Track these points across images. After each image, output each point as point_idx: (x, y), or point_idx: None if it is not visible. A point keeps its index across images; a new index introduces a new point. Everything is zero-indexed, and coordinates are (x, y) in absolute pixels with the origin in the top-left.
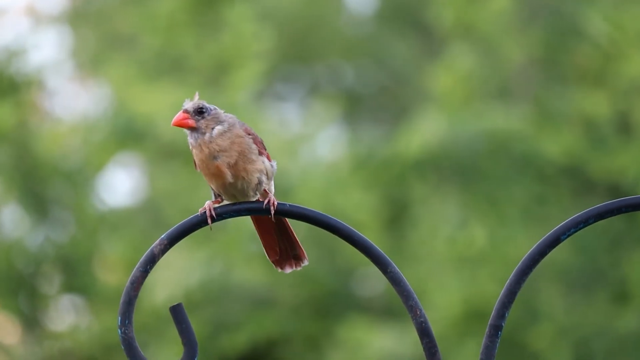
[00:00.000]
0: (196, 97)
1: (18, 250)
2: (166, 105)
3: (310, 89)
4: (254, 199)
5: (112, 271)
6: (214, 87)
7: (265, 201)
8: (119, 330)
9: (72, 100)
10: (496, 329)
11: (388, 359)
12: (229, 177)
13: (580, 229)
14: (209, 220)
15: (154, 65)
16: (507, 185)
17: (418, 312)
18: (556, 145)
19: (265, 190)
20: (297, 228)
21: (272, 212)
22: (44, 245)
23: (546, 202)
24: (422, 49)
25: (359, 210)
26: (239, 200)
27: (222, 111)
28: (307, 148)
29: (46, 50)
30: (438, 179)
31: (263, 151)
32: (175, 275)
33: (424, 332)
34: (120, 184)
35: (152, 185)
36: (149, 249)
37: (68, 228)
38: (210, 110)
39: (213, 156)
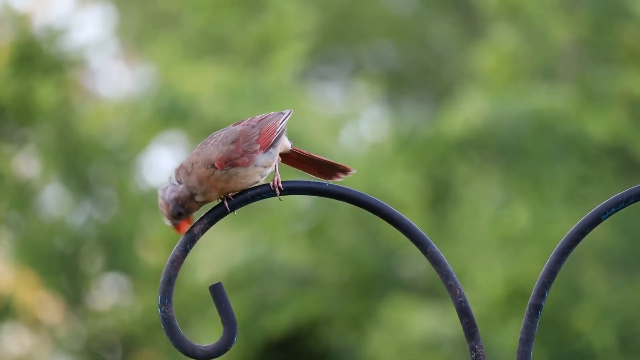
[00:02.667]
0: (161, 202)
1: (60, 230)
2: (210, 85)
3: (353, 70)
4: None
5: (154, 250)
6: (256, 67)
7: (271, 183)
8: (159, 310)
9: (115, 80)
10: (536, 308)
11: (430, 339)
12: (228, 195)
13: (621, 208)
14: (229, 210)
15: (198, 45)
16: (550, 165)
17: (457, 292)
18: (600, 126)
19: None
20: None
21: (278, 192)
22: (86, 224)
23: (589, 182)
24: (465, 28)
25: (401, 190)
26: None
27: (182, 175)
28: (349, 128)
29: (90, 29)
30: (481, 159)
31: (252, 155)
32: (218, 255)
33: (464, 312)
34: (163, 164)
35: None
36: (189, 228)
37: (110, 207)
38: (179, 203)
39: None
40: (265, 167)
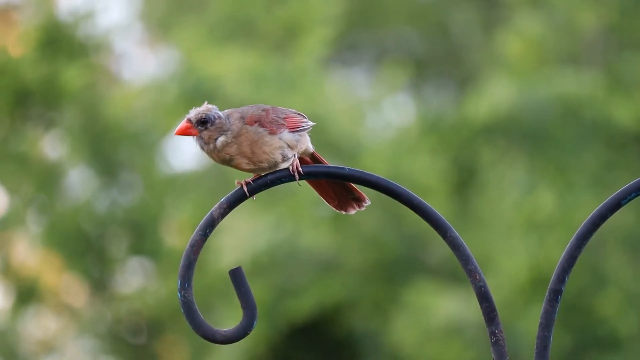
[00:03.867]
0: (204, 105)
1: (86, 213)
2: (235, 69)
3: (377, 56)
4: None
5: (178, 234)
6: (282, 51)
7: (290, 168)
8: (179, 294)
9: (140, 64)
10: (556, 293)
11: (453, 323)
12: (250, 167)
13: None
14: (247, 194)
15: (223, 29)
16: (576, 151)
17: (477, 277)
18: (626, 112)
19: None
20: (365, 192)
21: (297, 177)
22: (111, 207)
23: (615, 168)
24: (486, 14)
25: (426, 175)
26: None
27: (227, 115)
28: (374, 113)
29: (115, 14)
30: (506, 144)
31: (278, 128)
32: (243, 240)
33: (483, 297)
34: (187, 148)
35: None
36: (209, 213)
37: (136, 191)
38: (214, 119)
39: (227, 160)
40: (288, 146)
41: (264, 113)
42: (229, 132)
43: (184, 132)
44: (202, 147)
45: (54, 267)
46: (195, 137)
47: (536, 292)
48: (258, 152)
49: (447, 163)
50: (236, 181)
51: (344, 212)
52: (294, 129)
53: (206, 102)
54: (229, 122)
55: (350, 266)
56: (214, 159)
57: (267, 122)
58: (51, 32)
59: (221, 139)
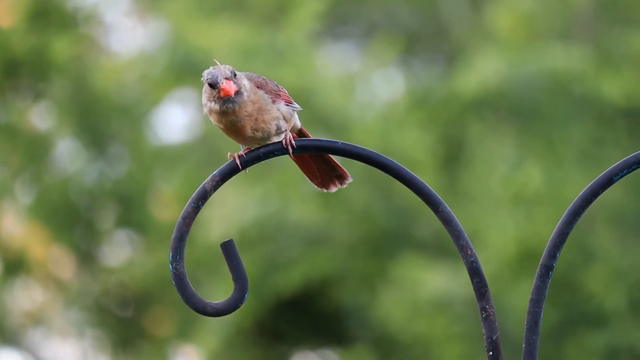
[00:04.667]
0: (217, 64)
1: (74, 185)
2: (225, 42)
3: (367, 30)
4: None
5: (167, 207)
6: (273, 25)
7: (283, 141)
8: (170, 266)
9: (129, 35)
10: (547, 269)
11: (441, 298)
12: (250, 133)
13: (633, 170)
14: (240, 167)
15: (213, 1)
16: (565, 126)
17: (469, 252)
18: (616, 87)
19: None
20: (354, 166)
21: (290, 150)
22: (99, 179)
23: (604, 143)
24: None
25: (415, 149)
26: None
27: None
28: (363, 87)
29: None
30: (495, 118)
31: (276, 98)
32: (231, 213)
33: (475, 272)
34: (176, 120)
35: (208, 120)
36: (201, 185)
37: (124, 163)
38: (236, 72)
39: (239, 119)
40: (283, 118)
41: (263, 81)
42: (248, 86)
43: (235, 90)
44: (224, 104)
45: (42, 239)
46: (219, 96)
47: (524, 267)
48: (259, 120)
49: (435, 137)
50: (229, 154)
51: (325, 190)
52: (288, 102)
53: (216, 61)
54: (240, 76)
55: (338, 240)
56: (228, 118)
57: (267, 90)
58: (40, 3)
59: (245, 93)
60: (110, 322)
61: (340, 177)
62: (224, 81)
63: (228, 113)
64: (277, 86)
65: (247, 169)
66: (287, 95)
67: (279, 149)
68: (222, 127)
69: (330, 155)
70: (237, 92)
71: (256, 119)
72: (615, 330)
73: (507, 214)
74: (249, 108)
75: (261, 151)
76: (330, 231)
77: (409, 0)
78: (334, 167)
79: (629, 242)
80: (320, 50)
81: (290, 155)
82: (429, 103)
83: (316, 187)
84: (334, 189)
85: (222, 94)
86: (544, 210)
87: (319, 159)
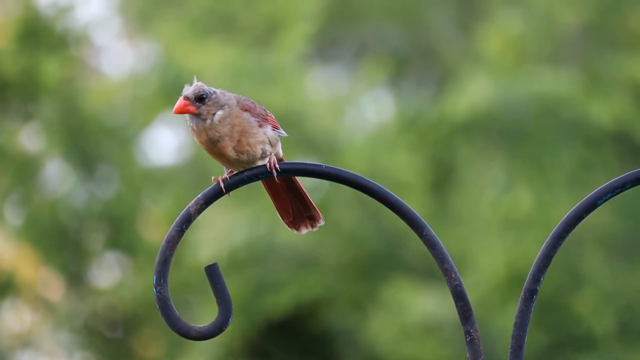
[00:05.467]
0: (195, 81)
1: (63, 206)
2: (215, 63)
3: (357, 51)
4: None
5: (156, 229)
6: (263, 46)
7: (267, 165)
8: (154, 290)
9: (119, 57)
10: (531, 293)
11: (430, 321)
12: (232, 155)
13: (617, 193)
14: (224, 190)
15: (204, 23)
16: (554, 149)
17: (453, 276)
18: (605, 111)
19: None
20: (343, 188)
21: (275, 174)
22: (89, 201)
23: (593, 167)
24: (466, 11)
25: (404, 172)
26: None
27: (221, 91)
28: (353, 110)
29: (94, 7)
30: (485, 142)
31: (263, 122)
32: (220, 235)
33: (459, 296)
34: (166, 142)
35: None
36: (185, 209)
37: (113, 185)
38: (211, 94)
39: (215, 140)
40: (269, 142)
41: (252, 105)
42: (226, 107)
43: (182, 110)
44: (196, 125)
45: (31, 261)
46: (193, 114)
47: (513, 291)
48: (243, 143)
49: (425, 160)
50: (212, 177)
51: (295, 231)
52: (275, 127)
53: (195, 77)
54: (225, 97)
55: (327, 262)
56: (205, 138)
57: (255, 114)
58: (31, 24)
59: (220, 112)
60: (99, 344)
61: (313, 218)
62: (180, 99)
63: (195, 131)
64: (265, 111)
65: (231, 192)
66: (274, 120)
67: (263, 172)
68: (202, 146)
69: (305, 193)
70: (198, 114)
71: (239, 141)
72: (604, 354)
73: (496, 237)
74: (223, 129)
75: (245, 174)
76: (320, 253)
77: (398, 22)
78: (307, 206)
79: (618, 266)
80: (309, 72)
81: (275, 178)
82: (419, 126)
83: (286, 226)
84: (304, 231)
85: (173, 112)
86: (533, 234)
87: (294, 195)
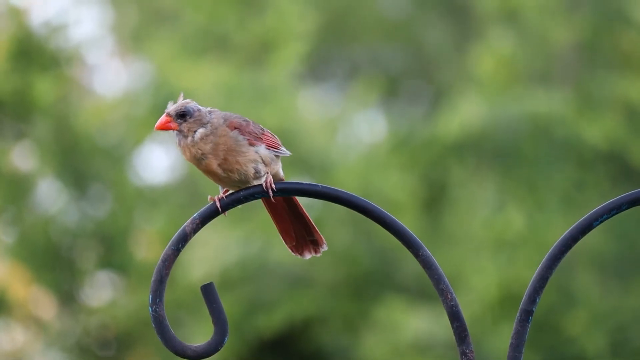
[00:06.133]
0: (180, 99)
1: (55, 225)
2: (208, 82)
3: (350, 71)
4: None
5: (149, 247)
6: (256, 66)
7: (263, 184)
8: (150, 308)
9: (112, 76)
10: (527, 313)
11: (422, 340)
12: (220, 172)
13: (613, 215)
14: (220, 210)
15: (197, 42)
16: (546, 169)
17: (449, 296)
18: (597, 131)
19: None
20: (336, 208)
21: (271, 193)
22: (81, 220)
23: (585, 187)
24: (459, 31)
25: (396, 191)
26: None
27: (207, 109)
28: (345, 129)
29: (87, 26)
30: (477, 161)
31: (256, 141)
32: (213, 253)
33: (455, 316)
34: (159, 161)
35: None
36: (181, 228)
37: (106, 204)
38: (193, 112)
39: (198, 158)
40: (262, 161)
41: (244, 123)
42: (209, 125)
43: (163, 127)
44: (179, 142)
45: (23, 279)
46: (175, 131)
47: (505, 310)
48: (231, 161)
49: (417, 179)
50: (209, 197)
51: (299, 256)
52: (270, 146)
53: (182, 94)
54: (210, 116)
55: (320, 281)
56: (188, 154)
57: (246, 132)
58: (23, 43)
59: (200, 130)
60: None
61: (315, 242)
62: (163, 116)
63: (180, 148)
64: (261, 129)
65: (227, 212)
66: (274, 139)
67: (260, 192)
68: (190, 163)
69: (307, 216)
70: (179, 131)
71: (225, 159)
72: None
73: (488, 257)
74: (206, 147)
75: (241, 194)
76: (312, 272)
77: (391, 42)
78: (310, 230)
79: (610, 286)
80: (302, 91)
81: (271, 199)
82: (411, 145)
83: (290, 250)
84: (307, 256)
85: (155, 128)
86: (526, 254)
87: (295, 218)
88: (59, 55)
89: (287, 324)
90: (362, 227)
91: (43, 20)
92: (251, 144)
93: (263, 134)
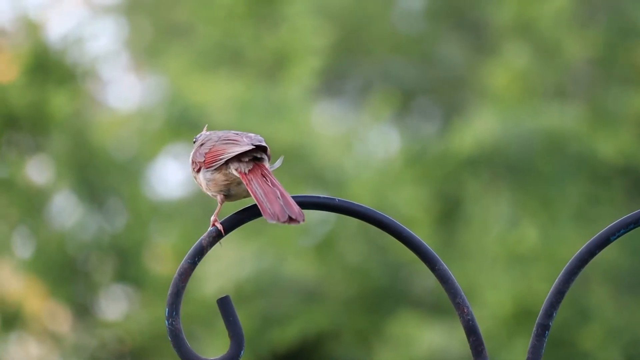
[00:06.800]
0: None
1: (71, 238)
2: (222, 96)
3: (364, 85)
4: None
5: (163, 261)
6: (270, 80)
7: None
8: (166, 322)
9: (126, 90)
10: (544, 328)
11: (437, 355)
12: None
13: (630, 229)
14: (223, 233)
15: (211, 57)
16: (560, 184)
17: (465, 310)
18: (611, 146)
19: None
20: (349, 222)
21: (215, 233)
22: (96, 233)
23: (599, 202)
24: (473, 46)
25: (410, 205)
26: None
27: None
28: (359, 144)
29: (102, 41)
30: (491, 176)
31: (199, 168)
32: (226, 268)
33: (471, 330)
34: (173, 175)
35: None
36: (198, 241)
37: (121, 217)
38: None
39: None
40: (204, 187)
41: (196, 150)
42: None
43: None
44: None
45: (38, 293)
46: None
47: (519, 325)
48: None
49: (431, 194)
50: (212, 219)
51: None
52: (209, 165)
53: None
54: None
55: (333, 296)
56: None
57: (193, 161)
58: (40, 58)
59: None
60: None
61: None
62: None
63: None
64: (208, 147)
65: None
66: (216, 152)
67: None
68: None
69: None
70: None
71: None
72: None
73: (502, 271)
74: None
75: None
76: (326, 286)
77: (406, 56)
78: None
79: (624, 301)
80: (316, 105)
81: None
82: (425, 160)
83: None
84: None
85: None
86: (540, 269)
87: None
88: (75, 69)
89: (300, 339)
90: (374, 242)
91: (59, 35)
92: (198, 172)
93: (208, 153)
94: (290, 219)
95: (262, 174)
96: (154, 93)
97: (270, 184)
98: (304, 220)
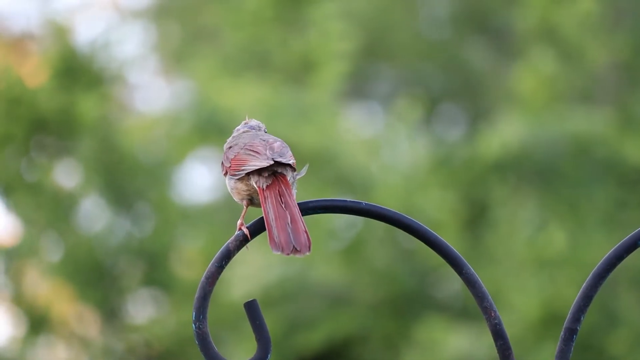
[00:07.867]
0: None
1: (99, 242)
2: (249, 100)
3: (392, 90)
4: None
5: (190, 265)
6: (297, 84)
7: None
8: (194, 325)
9: (154, 94)
10: (571, 332)
11: (464, 359)
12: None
13: None
14: (249, 237)
15: (239, 61)
16: (587, 189)
17: (492, 314)
18: (638, 150)
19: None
20: (376, 227)
21: (242, 237)
22: (125, 238)
23: (627, 206)
24: (498, 51)
25: (437, 210)
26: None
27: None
28: (387, 148)
29: (130, 45)
30: (518, 180)
31: (222, 169)
32: (254, 272)
33: (498, 334)
34: (201, 179)
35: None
36: (225, 245)
37: (149, 222)
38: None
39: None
40: (234, 193)
41: (227, 150)
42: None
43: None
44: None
45: (66, 297)
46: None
47: (547, 330)
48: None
49: (458, 198)
50: (238, 223)
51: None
52: (232, 174)
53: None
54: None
55: (360, 300)
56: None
57: (223, 162)
58: (68, 62)
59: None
60: None
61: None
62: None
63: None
64: (234, 152)
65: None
66: (239, 160)
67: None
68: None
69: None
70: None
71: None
72: None
73: (530, 276)
74: None
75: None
76: (353, 291)
77: (434, 60)
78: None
79: None
80: (344, 110)
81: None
82: (452, 164)
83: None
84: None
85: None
86: (567, 273)
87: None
88: (103, 73)
89: (327, 343)
90: (402, 246)
91: (88, 39)
92: (225, 175)
93: (233, 159)
94: (295, 250)
95: (279, 192)
96: (181, 97)
97: (284, 206)
98: (309, 251)
